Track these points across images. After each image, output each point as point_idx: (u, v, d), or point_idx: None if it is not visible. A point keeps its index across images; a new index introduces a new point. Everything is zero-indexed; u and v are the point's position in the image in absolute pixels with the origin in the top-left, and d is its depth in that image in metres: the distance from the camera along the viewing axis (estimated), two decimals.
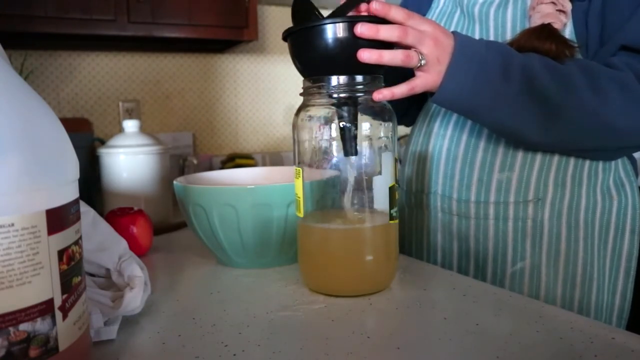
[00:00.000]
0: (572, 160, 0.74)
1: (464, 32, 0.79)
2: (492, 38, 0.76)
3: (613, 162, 0.76)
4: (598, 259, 0.75)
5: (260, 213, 0.65)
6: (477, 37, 0.77)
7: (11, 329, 0.31)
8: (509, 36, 0.74)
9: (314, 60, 0.59)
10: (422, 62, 0.60)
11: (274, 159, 2.09)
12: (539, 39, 0.67)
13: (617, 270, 0.76)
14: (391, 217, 0.58)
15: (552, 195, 0.73)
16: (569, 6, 0.70)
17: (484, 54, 0.62)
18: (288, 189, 0.64)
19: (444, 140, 0.80)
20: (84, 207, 0.54)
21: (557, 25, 0.69)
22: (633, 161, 0.80)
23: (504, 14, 0.75)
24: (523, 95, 0.63)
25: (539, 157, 0.74)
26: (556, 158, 0.73)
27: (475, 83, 0.62)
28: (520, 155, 0.74)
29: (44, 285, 0.33)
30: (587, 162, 0.74)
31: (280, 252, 0.69)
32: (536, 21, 0.70)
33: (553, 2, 0.70)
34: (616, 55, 0.68)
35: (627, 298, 0.77)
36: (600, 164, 0.75)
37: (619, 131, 0.65)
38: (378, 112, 0.58)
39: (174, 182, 0.72)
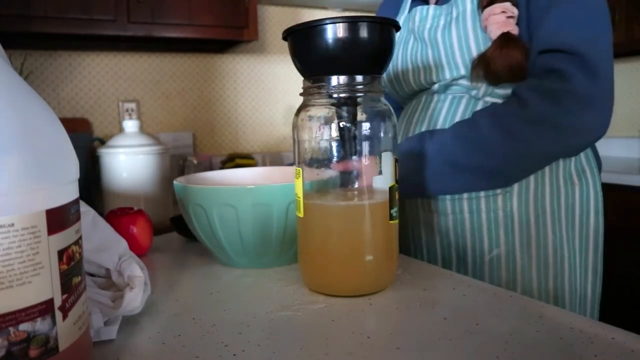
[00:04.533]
0: None
1: (418, 55, 0.87)
2: (443, 58, 0.83)
3: None
4: (567, 239, 0.80)
5: (260, 213, 0.65)
6: (431, 58, 0.84)
7: (11, 329, 0.31)
8: (458, 55, 0.81)
9: (314, 60, 0.59)
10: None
11: (274, 159, 2.09)
12: (506, 48, 0.74)
13: (587, 248, 0.83)
14: (391, 217, 0.58)
15: (518, 186, 0.80)
16: (516, 11, 0.76)
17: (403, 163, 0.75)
18: (288, 189, 0.64)
19: None
20: (84, 207, 0.54)
21: (514, 31, 0.75)
22: (594, 147, 0.86)
23: (449, 36, 0.82)
24: (457, 173, 0.76)
25: None
26: None
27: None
28: None
29: (44, 285, 0.33)
30: None
31: (280, 252, 0.69)
32: (494, 31, 0.76)
33: (503, 11, 0.76)
34: (537, 61, 0.74)
35: (599, 273, 0.84)
36: None
37: (552, 153, 0.76)
38: (378, 112, 0.58)
39: (174, 182, 0.72)
